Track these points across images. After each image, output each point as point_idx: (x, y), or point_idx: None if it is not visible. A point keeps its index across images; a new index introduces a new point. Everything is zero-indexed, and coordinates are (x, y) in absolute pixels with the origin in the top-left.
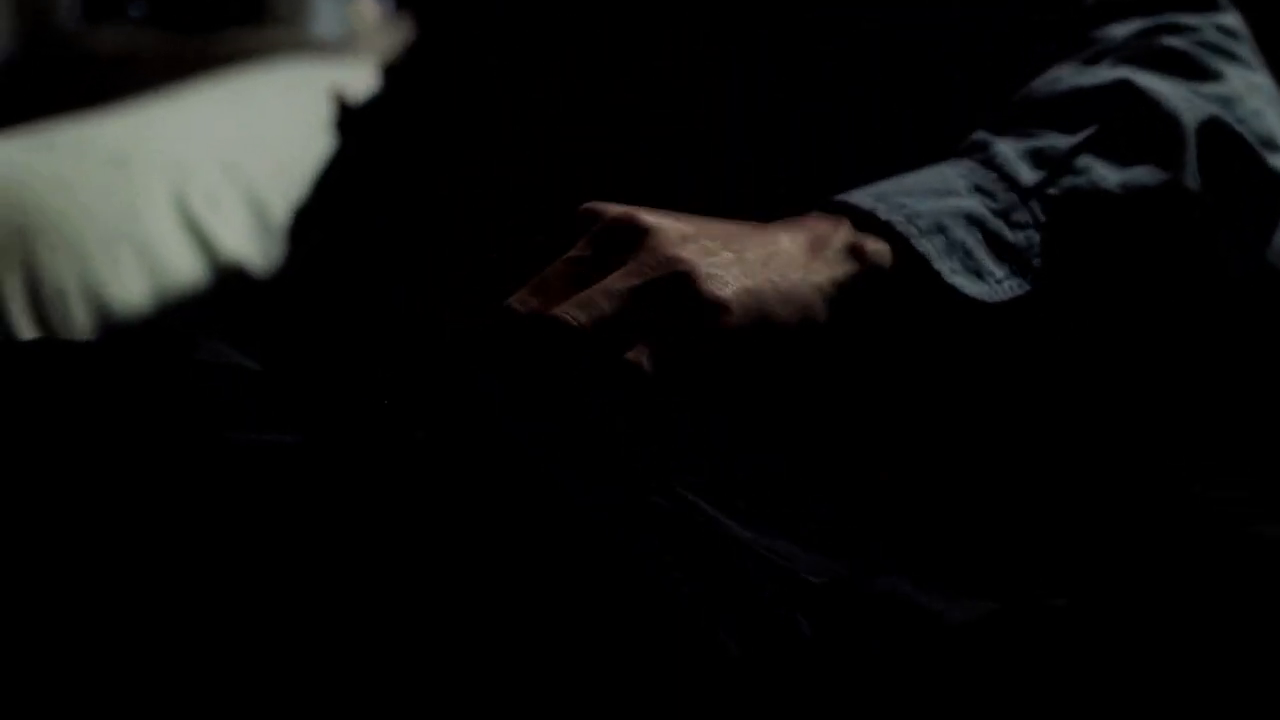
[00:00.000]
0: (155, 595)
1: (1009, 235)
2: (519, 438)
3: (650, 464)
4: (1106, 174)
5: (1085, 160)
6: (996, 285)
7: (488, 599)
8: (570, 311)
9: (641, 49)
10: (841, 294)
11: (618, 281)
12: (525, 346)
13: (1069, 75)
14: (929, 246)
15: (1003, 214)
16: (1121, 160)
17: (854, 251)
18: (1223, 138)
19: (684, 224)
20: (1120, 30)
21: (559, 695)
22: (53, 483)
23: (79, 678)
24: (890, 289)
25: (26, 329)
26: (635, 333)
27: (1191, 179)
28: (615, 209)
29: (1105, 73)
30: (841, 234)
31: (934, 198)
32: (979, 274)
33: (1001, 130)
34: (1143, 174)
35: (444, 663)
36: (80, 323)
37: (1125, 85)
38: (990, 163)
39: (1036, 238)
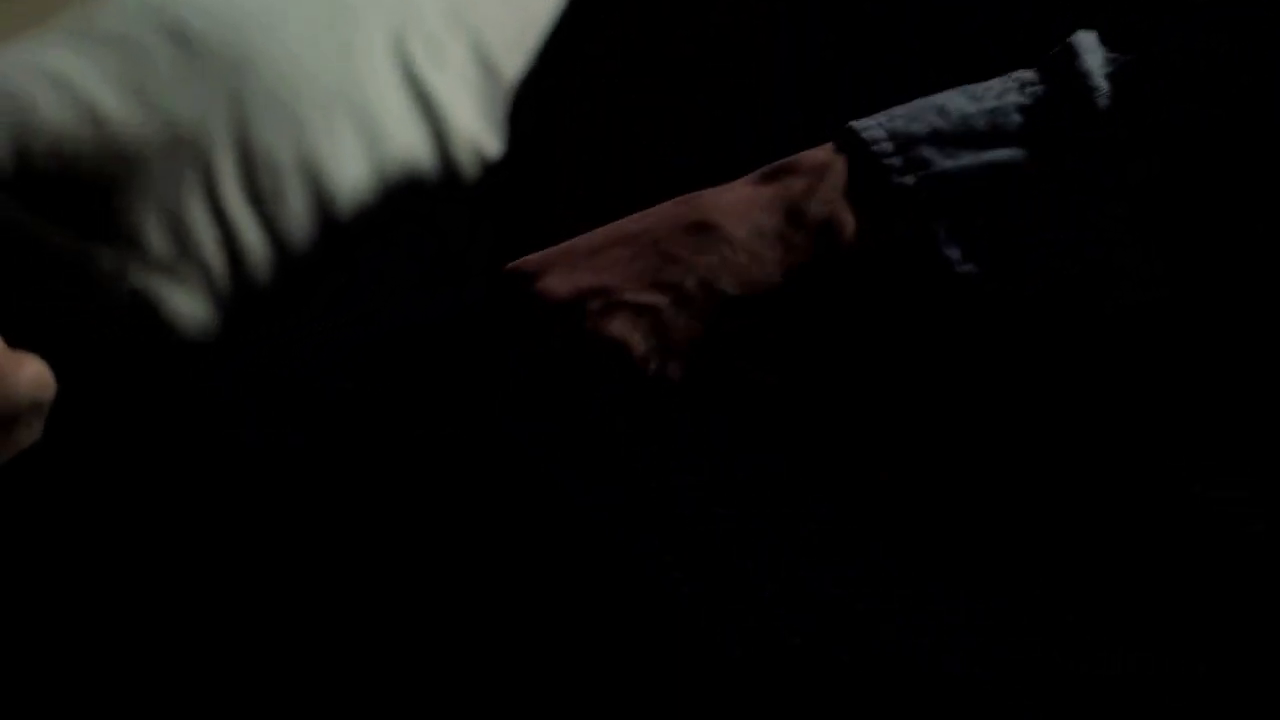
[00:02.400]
0: (157, 594)
1: None
2: (519, 437)
3: (650, 464)
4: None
5: None
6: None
7: (488, 599)
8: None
9: (699, 3)
10: (811, 283)
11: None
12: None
13: None
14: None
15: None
16: None
17: (824, 229)
18: None
19: (607, 268)
20: None
21: (559, 695)
22: (57, 481)
23: (78, 673)
24: (881, 266)
25: (239, 209)
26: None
27: None
28: (528, 273)
29: None
30: (811, 201)
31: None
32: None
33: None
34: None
35: (444, 662)
36: (295, 203)
37: None
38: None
39: None
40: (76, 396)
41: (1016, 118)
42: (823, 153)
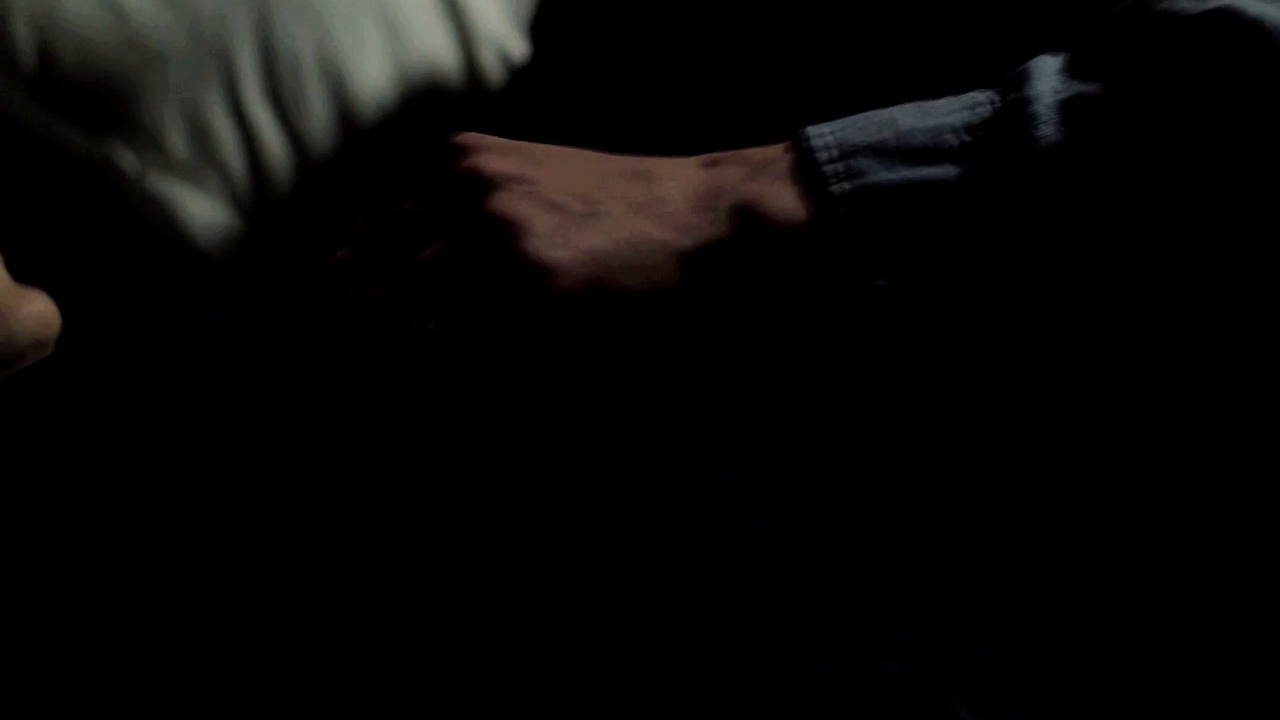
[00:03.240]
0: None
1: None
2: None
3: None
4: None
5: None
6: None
7: (480, 595)
8: (361, 287)
9: None
10: (721, 262)
11: (428, 248)
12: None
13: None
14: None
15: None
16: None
17: (749, 211)
18: None
19: (541, 167)
20: None
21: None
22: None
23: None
24: (800, 261)
25: (260, 111)
26: (438, 302)
27: None
28: (469, 147)
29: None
30: (744, 184)
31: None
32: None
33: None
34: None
35: (430, 655)
36: (317, 105)
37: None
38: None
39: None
40: (92, 305)
41: (956, 138)
42: (773, 150)
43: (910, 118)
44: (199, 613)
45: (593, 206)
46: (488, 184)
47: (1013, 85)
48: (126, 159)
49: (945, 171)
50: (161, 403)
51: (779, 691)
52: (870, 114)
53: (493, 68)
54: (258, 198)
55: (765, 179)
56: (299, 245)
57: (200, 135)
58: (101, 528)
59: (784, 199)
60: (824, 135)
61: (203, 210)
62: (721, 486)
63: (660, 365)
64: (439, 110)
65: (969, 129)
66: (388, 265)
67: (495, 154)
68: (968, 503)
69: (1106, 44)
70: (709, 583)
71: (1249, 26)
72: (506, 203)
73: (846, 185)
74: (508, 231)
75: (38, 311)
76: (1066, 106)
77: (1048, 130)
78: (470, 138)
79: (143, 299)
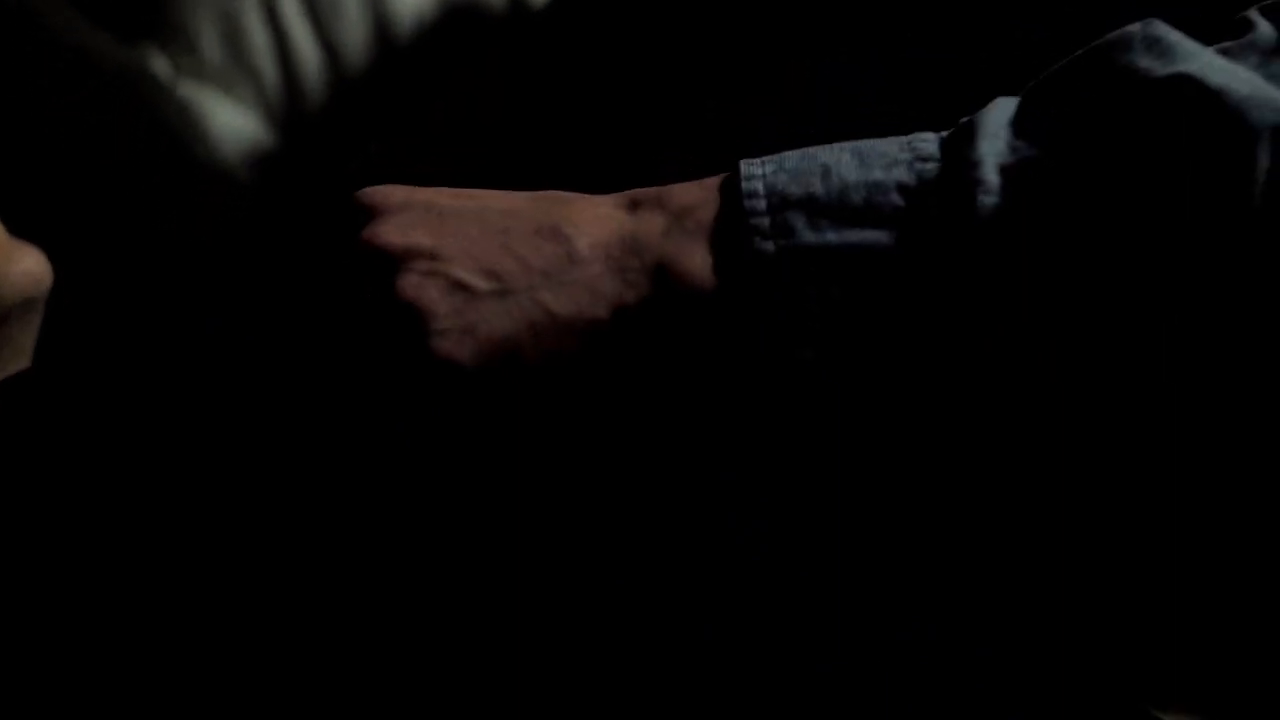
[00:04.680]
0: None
1: None
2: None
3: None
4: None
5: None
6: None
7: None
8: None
9: None
10: (636, 330)
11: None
12: None
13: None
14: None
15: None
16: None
17: (666, 270)
18: None
19: (445, 232)
20: None
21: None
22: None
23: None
24: (720, 325)
25: (296, 18)
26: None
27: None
28: (372, 208)
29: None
30: (662, 238)
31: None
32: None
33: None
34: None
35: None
36: (353, 15)
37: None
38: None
39: None
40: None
41: (894, 198)
42: (699, 190)
43: (851, 168)
44: (199, 616)
45: (499, 282)
46: (391, 263)
47: (961, 139)
48: (159, 64)
49: (880, 237)
50: (160, 408)
51: (779, 691)
52: (811, 154)
53: None
54: (288, 109)
55: (685, 230)
56: (322, 168)
57: (234, 41)
58: (100, 532)
59: (703, 256)
60: (756, 179)
61: (233, 120)
62: (721, 486)
63: (585, 427)
64: (478, 29)
65: (909, 190)
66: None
67: (397, 221)
68: (967, 503)
69: (1060, 98)
70: (709, 583)
71: (1211, 97)
72: (408, 288)
73: (771, 246)
74: (409, 323)
75: (27, 270)
76: (1010, 173)
77: (989, 200)
78: (371, 196)
79: (140, 296)
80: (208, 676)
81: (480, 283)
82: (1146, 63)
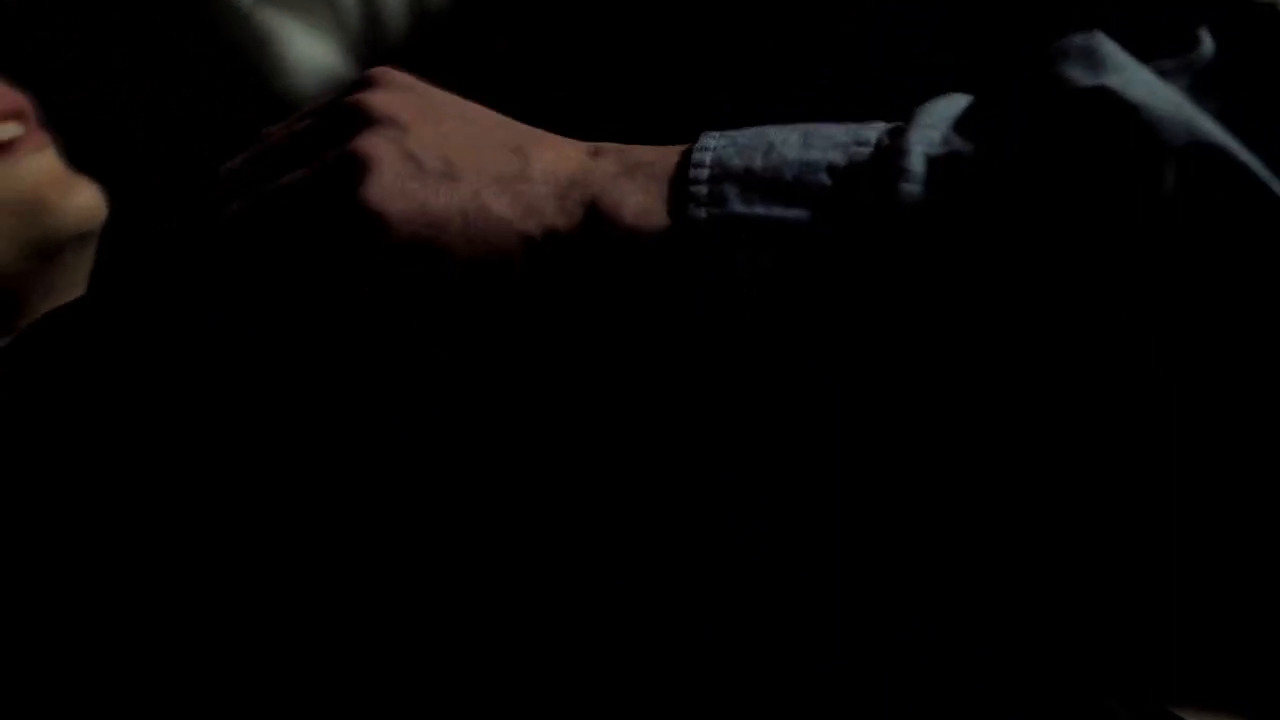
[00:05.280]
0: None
1: None
2: None
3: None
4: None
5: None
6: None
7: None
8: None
9: None
10: (560, 253)
11: (287, 179)
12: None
13: None
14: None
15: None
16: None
17: (602, 209)
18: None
19: (425, 118)
20: None
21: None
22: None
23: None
24: (638, 271)
25: None
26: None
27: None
28: (374, 80)
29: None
30: (611, 181)
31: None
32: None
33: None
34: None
35: (430, 655)
36: None
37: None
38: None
39: None
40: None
41: (823, 178)
42: (658, 152)
43: (793, 147)
44: (197, 612)
45: (451, 169)
46: (360, 119)
47: (898, 129)
48: None
49: (802, 214)
50: (159, 402)
51: (779, 691)
52: (764, 131)
53: None
54: (365, 41)
55: (635, 181)
56: None
57: None
58: (99, 527)
59: (642, 206)
60: (706, 151)
61: (310, 49)
62: (721, 486)
63: (495, 343)
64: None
65: (838, 171)
66: (256, 182)
67: (388, 93)
68: (967, 503)
69: (1000, 100)
70: (709, 583)
71: (1127, 112)
72: (366, 143)
73: (703, 213)
74: (354, 171)
75: (82, 204)
76: (936, 164)
77: (909, 188)
78: (384, 72)
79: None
80: (207, 674)
81: (433, 163)
82: (1076, 72)
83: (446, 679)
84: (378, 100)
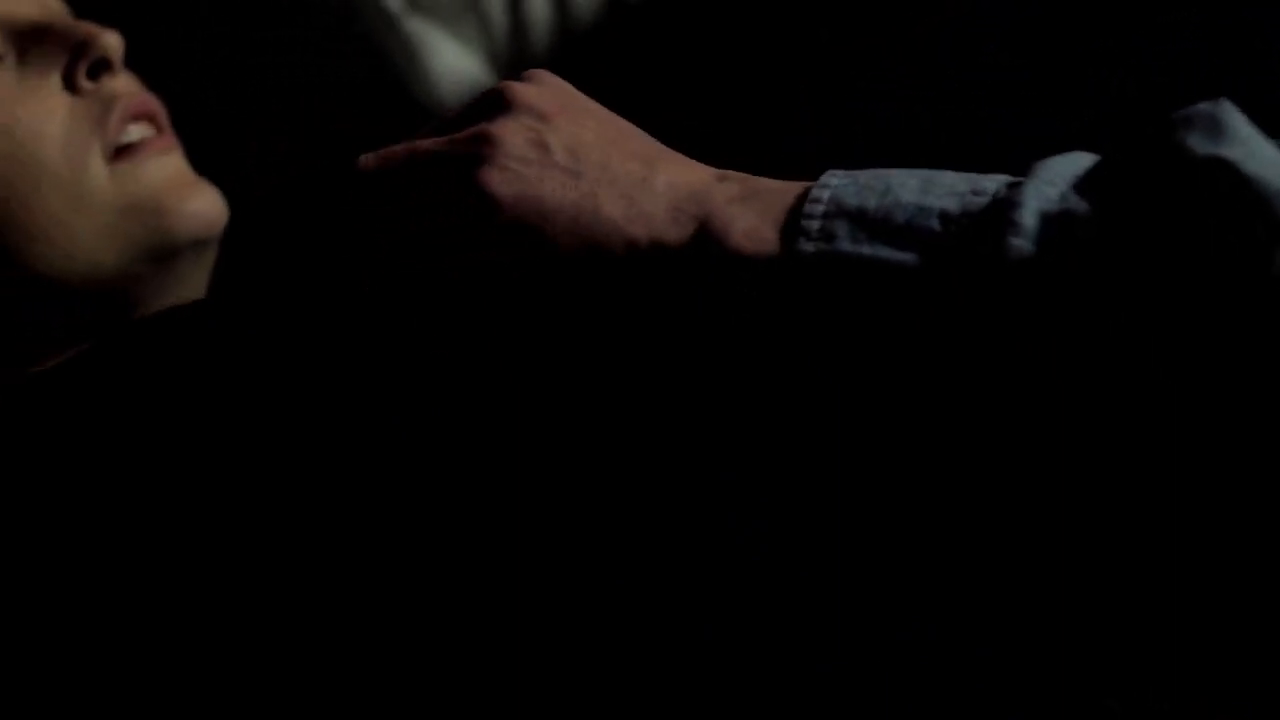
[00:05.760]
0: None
1: None
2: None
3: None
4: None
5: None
6: None
7: (479, 594)
8: (367, 160)
9: None
10: (662, 262)
11: (425, 144)
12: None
13: None
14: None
15: None
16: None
17: (713, 229)
18: None
19: (567, 116)
20: None
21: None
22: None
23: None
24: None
25: None
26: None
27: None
28: (529, 76)
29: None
30: (728, 204)
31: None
32: None
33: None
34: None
35: (430, 655)
36: None
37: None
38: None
39: None
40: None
41: (934, 224)
42: (782, 184)
43: (911, 191)
44: (198, 612)
45: (577, 164)
46: (502, 106)
47: (1018, 182)
48: None
49: (907, 258)
50: (162, 401)
51: (779, 691)
52: (885, 173)
53: None
54: (511, 54)
55: (751, 207)
56: None
57: None
58: (102, 525)
59: (752, 231)
60: (826, 188)
61: (456, 59)
62: (721, 486)
63: (582, 335)
64: (720, 9)
65: (951, 218)
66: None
67: (538, 87)
68: (967, 503)
69: (1124, 164)
70: (709, 583)
71: (1241, 185)
72: (499, 127)
73: (810, 247)
74: (480, 150)
75: (197, 211)
76: (1049, 221)
77: (1018, 242)
78: (539, 71)
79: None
80: (207, 674)
81: (561, 157)
82: (1196, 141)
83: (447, 679)
84: (525, 92)
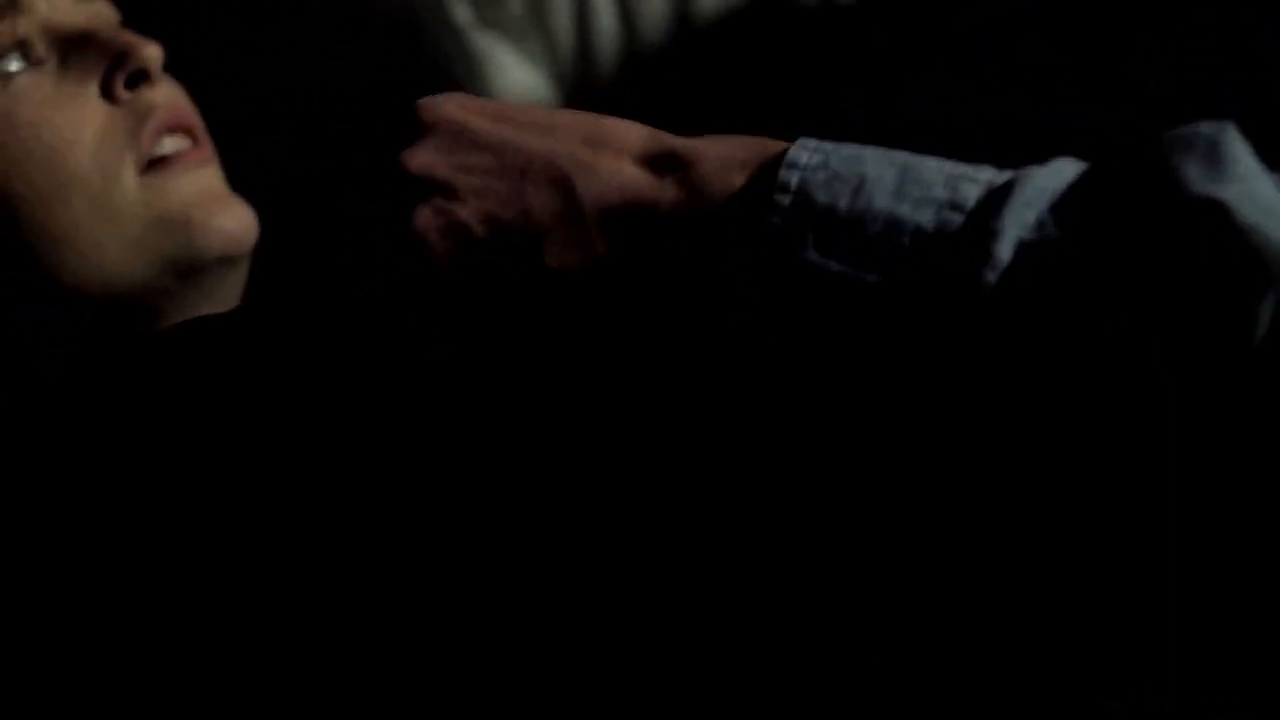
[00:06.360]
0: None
1: None
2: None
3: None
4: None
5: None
6: None
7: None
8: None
9: None
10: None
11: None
12: None
13: None
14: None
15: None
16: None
17: (661, 239)
18: None
19: (474, 169)
20: None
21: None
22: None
23: None
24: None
25: (606, 13)
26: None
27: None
28: (429, 122)
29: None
30: (664, 213)
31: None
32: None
33: None
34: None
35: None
36: (661, 13)
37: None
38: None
39: None
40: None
41: (905, 241)
42: (730, 168)
43: (885, 193)
44: (198, 611)
45: (500, 229)
46: (414, 186)
47: (997, 199)
48: (460, 10)
49: (874, 278)
50: (173, 409)
51: (779, 691)
52: (860, 158)
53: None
54: (577, 77)
55: (696, 210)
56: None
57: None
58: (102, 524)
59: (705, 233)
60: (795, 171)
61: (522, 76)
62: (721, 486)
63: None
64: (783, 26)
65: (924, 236)
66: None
67: (432, 145)
68: (967, 503)
69: (1111, 182)
70: (709, 583)
71: (1235, 233)
72: (418, 218)
73: (777, 245)
74: (411, 243)
75: (227, 227)
76: (1026, 250)
77: (990, 276)
78: (425, 111)
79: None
80: (208, 674)
81: (481, 229)
82: (1194, 172)
83: (447, 679)
84: (421, 159)
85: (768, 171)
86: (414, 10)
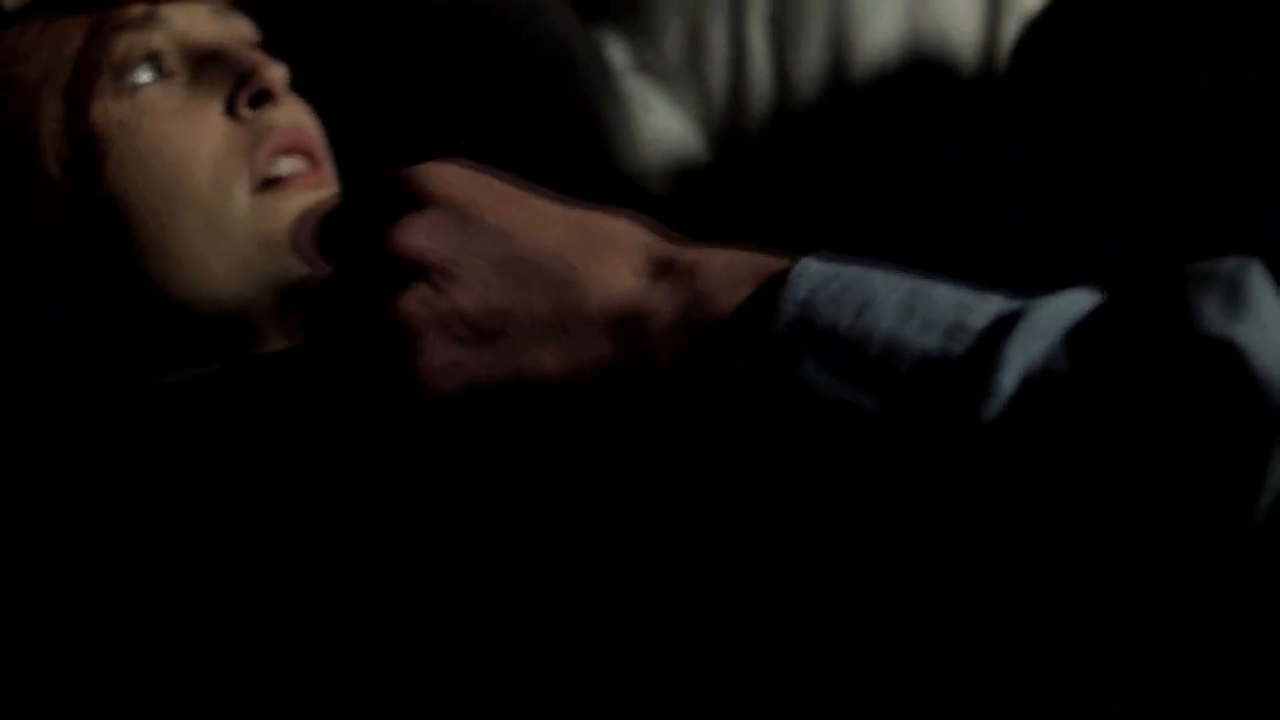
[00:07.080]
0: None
1: None
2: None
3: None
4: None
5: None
6: None
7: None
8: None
9: None
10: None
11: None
12: None
13: None
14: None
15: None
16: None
17: (658, 356)
18: None
19: (466, 252)
20: None
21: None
22: None
23: None
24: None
25: (758, 36)
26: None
27: None
28: (421, 192)
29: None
30: (665, 326)
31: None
32: None
33: None
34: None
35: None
36: (815, 45)
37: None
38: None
39: None
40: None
41: (904, 368)
42: (734, 285)
43: (891, 314)
44: (200, 614)
45: (497, 325)
46: (404, 271)
47: (1005, 326)
48: (617, 52)
49: (871, 404)
50: (165, 417)
51: (779, 691)
52: (868, 281)
53: (1010, 40)
54: (726, 125)
55: (695, 323)
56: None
57: (696, 43)
58: (104, 530)
59: (704, 352)
60: (799, 290)
61: (670, 124)
62: (721, 486)
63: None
64: (940, 83)
65: (928, 362)
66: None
67: (427, 222)
68: (966, 504)
69: (1127, 313)
70: (709, 583)
71: (1247, 381)
72: (406, 305)
73: (777, 359)
74: (401, 344)
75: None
76: (1030, 384)
77: (991, 406)
78: (422, 180)
79: None
80: (208, 674)
81: (476, 324)
82: (1210, 312)
83: (447, 679)
84: (413, 239)
85: (771, 287)
86: (571, 50)
